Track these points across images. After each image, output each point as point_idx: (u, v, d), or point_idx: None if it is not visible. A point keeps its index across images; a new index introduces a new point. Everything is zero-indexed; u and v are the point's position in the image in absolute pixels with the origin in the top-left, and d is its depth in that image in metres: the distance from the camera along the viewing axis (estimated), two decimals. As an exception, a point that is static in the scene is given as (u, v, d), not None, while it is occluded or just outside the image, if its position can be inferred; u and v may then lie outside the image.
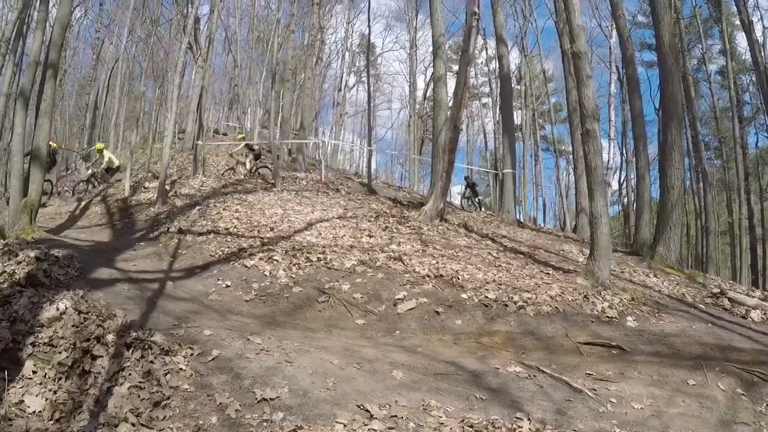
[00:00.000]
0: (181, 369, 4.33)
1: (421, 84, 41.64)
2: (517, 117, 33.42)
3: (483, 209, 19.97)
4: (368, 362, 5.20)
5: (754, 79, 25.38)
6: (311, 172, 20.66)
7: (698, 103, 27.84)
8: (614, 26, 25.57)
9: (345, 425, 3.80)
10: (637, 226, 15.32)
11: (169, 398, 3.95)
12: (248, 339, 5.21)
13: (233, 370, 4.43)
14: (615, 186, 34.33)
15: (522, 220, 19.98)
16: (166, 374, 4.22)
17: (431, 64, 41.52)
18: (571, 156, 27.18)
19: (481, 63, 38.36)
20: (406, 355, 5.72)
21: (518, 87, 34.78)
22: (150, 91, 33.51)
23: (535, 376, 5.38)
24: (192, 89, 23.51)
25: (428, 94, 42.79)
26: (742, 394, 5.23)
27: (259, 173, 18.35)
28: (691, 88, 25.14)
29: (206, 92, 24.30)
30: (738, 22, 24.89)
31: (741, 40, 27.52)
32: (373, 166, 25.00)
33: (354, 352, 5.58)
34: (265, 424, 3.75)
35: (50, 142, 13.22)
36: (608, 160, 30.04)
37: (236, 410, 3.86)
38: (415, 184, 34.38)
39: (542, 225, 27.44)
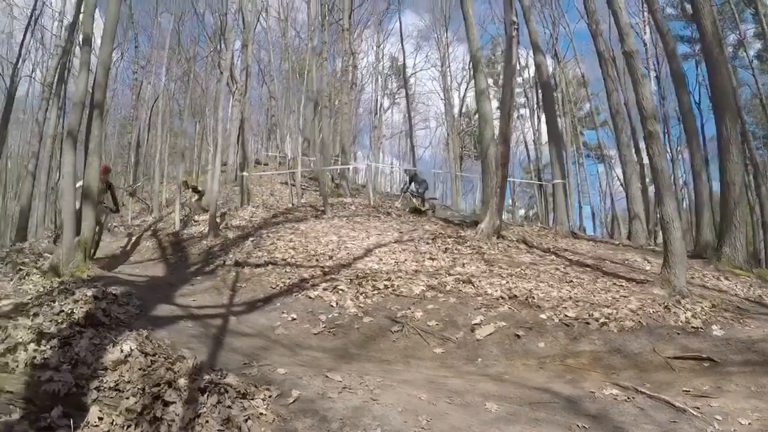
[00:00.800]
0: (261, 414, 3.95)
1: (456, 100, 41.33)
2: (557, 124, 32.83)
3: (428, 206, 19.00)
4: (457, 395, 4.78)
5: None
6: (356, 197, 20.49)
7: (740, 92, 26.99)
8: (646, 22, 25.26)
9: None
10: (698, 226, 14.80)
11: (253, 450, 3.57)
12: (327, 376, 4.83)
13: (318, 413, 4.03)
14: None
15: (575, 231, 19.53)
16: (246, 420, 3.83)
17: (464, 80, 41.77)
18: (613, 161, 26.82)
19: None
20: (494, 384, 5.31)
21: (555, 94, 34.29)
22: (190, 126, 33.73)
23: (633, 397, 4.94)
24: (230, 122, 23.50)
25: (464, 110, 42.63)
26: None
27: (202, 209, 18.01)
28: (732, 77, 24.47)
29: (246, 124, 24.34)
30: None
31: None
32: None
33: (439, 384, 5.17)
34: (362, 472, 3.40)
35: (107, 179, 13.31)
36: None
37: (329, 459, 3.44)
38: (458, 202, 34.08)
39: (593, 234, 26.88)
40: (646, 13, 26.84)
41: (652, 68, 29.94)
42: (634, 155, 22.76)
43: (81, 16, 22.12)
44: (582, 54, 32.77)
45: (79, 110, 10.94)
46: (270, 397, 4.22)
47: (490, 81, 16.81)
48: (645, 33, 28.89)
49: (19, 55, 24.75)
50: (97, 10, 12.26)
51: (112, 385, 4.00)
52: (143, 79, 34.49)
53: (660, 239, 21.26)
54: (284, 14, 34.73)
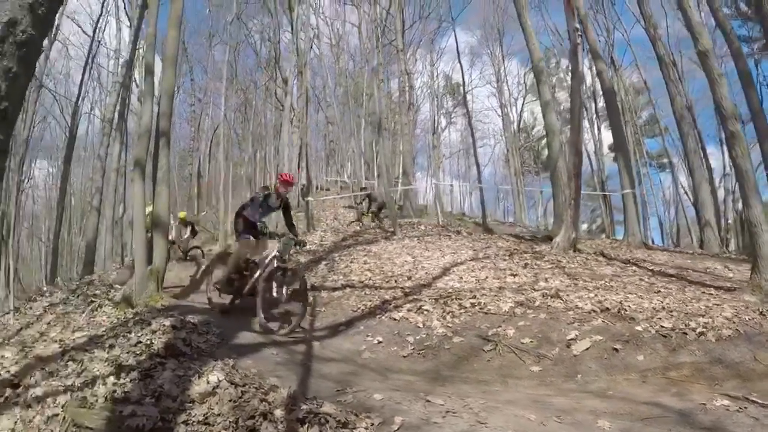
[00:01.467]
0: None
1: (513, 116, 40.98)
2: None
3: (377, 221, 19.06)
4: (566, 413, 4.42)
5: None
6: (421, 218, 20.39)
7: None
8: (704, 23, 24.62)
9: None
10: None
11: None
12: (428, 400, 4.51)
13: None
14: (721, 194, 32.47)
15: (646, 242, 18.99)
16: None
17: (520, 95, 41.44)
18: (677, 168, 26.19)
19: (567, 87, 37.54)
20: (600, 401, 4.95)
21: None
22: (247, 155, 34.10)
23: (745, 407, 4.57)
24: (290, 149, 23.64)
25: (521, 125, 42.27)
26: None
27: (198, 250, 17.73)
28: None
29: (306, 150, 24.47)
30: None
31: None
32: (476, 204, 24.53)
33: (544, 403, 4.83)
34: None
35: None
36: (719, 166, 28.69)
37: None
38: (522, 218, 33.70)
39: (661, 245, 26.20)
40: (702, 13, 26.31)
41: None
42: (702, 161, 22.28)
43: (139, 51, 22.74)
44: (638, 60, 32.16)
45: (146, 140, 11.04)
46: (372, 425, 3.93)
47: (548, 96, 16.56)
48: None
49: (79, 93, 25.48)
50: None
51: (200, 418, 3.82)
52: (201, 111, 35.15)
53: (732, 246, 20.66)
54: (336, 40, 35.00)
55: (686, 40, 28.93)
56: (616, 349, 6.25)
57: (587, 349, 6.34)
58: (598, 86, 29.13)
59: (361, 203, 21.00)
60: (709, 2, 16.93)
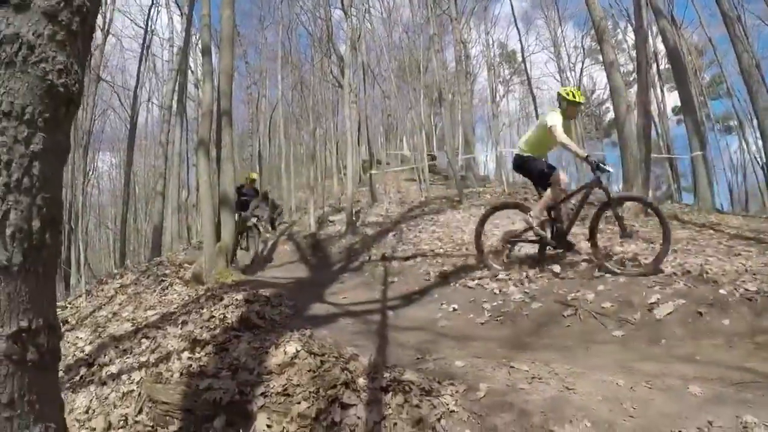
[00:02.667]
0: (452, 411, 3.54)
1: (572, 81, 40.17)
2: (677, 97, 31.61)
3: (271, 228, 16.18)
4: (655, 378, 4.23)
5: None
6: (485, 187, 20.19)
7: None
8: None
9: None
10: None
11: (453, 450, 3.15)
12: (512, 366, 4.38)
13: (514, 406, 3.57)
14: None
15: (717, 207, 18.42)
16: (439, 419, 3.44)
17: (578, 59, 40.64)
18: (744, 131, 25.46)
19: (627, 48, 36.76)
20: (688, 366, 4.73)
21: (669, 65, 32.82)
22: (306, 134, 34.36)
23: None
24: (350, 124, 23.66)
25: (581, 90, 41.50)
26: None
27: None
28: None
29: (366, 125, 24.46)
30: None
31: None
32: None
33: (631, 368, 4.65)
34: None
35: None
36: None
37: (543, 457, 2.97)
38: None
39: (730, 209, 25.45)
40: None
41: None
42: (775, 119, 21.54)
43: (192, 37, 23.02)
44: (701, 19, 31.17)
45: (208, 120, 11.15)
46: (457, 392, 3.81)
47: (612, 56, 16.00)
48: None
49: (138, 81, 25.94)
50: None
51: (279, 390, 3.78)
52: (258, 92, 35.53)
53: None
54: (387, 13, 34.78)
55: None
56: (700, 313, 5.99)
57: (670, 313, 6.10)
58: (660, 47, 28.37)
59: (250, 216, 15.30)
60: None
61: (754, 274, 6.83)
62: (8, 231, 1.70)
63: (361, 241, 12.80)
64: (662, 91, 33.90)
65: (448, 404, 3.64)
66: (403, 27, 35.20)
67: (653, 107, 33.32)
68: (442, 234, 11.19)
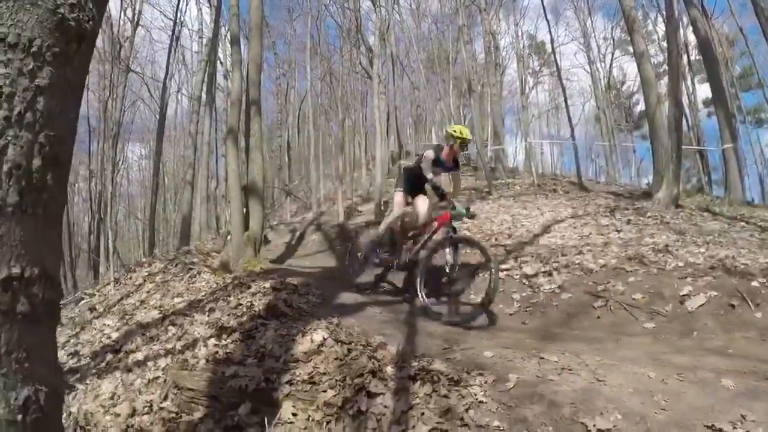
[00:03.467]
0: (481, 402, 3.49)
1: (601, 73, 39.87)
2: (707, 89, 31.39)
3: None
4: (687, 371, 4.15)
5: None
6: (514, 179, 20.12)
7: None
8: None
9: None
10: None
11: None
12: (541, 357, 4.30)
13: (544, 397, 3.51)
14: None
15: (748, 200, 18.14)
16: (467, 410, 3.39)
17: (608, 51, 40.27)
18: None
19: (657, 39, 36.36)
20: (720, 359, 4.64)
21: (699, 57, 32.51)
22: (335, 125, 34.38)
23: None
24: (379, 115, 23.62)
25: (611, 81, 41.17)
26: None
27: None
28: None
29: (395, 116, 24.44)
30: None
31: None
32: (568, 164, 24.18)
33: (662, 360, 4.57)
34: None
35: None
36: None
37: (574, 448, 2.93)
38: (617, 177, 32.83)
39: (762, 203, 25.11)
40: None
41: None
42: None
43: (221, 29, 23.17)
44: (731, 8, 30.77)
45: (237, 109, 11.22)
46: (486, 383, 3.76)
47: (642, 46, 15.80)
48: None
49: (167, 71, 26.06)
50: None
51: (305, 377, 3.76)
52: (287, 83, 35.67)
53: None
54: (416, 4, 34.65)
55: None
56: (732, 306, 5.89)
57: (702, 305, 6.01)
58: (690, 37, 28.05)
59: None
60: None
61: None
62: (5, 167, 1.54)
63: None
64: (693, 82, 33.48)
65: (476, 395, 3.59)
66: (431, 18, 35.18)
67: (684, 99, 33.02)
68: (470, 224, 11.01)
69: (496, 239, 9.97)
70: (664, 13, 22.77)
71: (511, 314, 6.71)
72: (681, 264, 7.11)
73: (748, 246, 8.14)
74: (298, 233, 16.00)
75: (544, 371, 4.01)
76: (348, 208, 17.84)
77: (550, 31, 26.72)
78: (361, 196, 20.84)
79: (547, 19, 23.74)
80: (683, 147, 27.59)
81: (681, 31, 26.88)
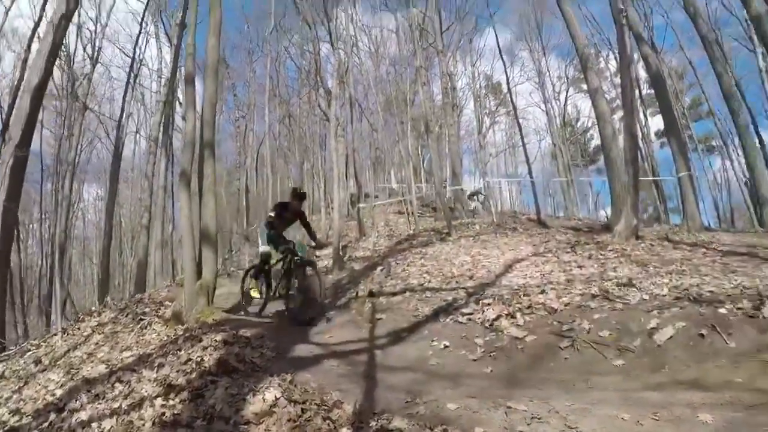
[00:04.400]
0: None
1: (556, 110, 40.62)
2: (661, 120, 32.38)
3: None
4: (662, 409, 4.04)
5: None
6: (474, 218, 20.13)
7: None
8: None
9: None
10: None
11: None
12: (509, 406, 4.13)
13: None
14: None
15: (705, 225, 18.40)
16: None
17: (562, 89, 40.94)
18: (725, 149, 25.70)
19: (610, 75, 37.37)
20: (695, 392, 4.54)
21: (650, 91, 33.33)
22: (294, 168, 34.34)
23: None
24: (337, 158, 23.57)
25: (566, 118, 41.93)
26: None
27: None
28: None
29: (353, 158, 24.46)
30: None
31: None
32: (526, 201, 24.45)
33: (635, 399, 4.45)
34: None
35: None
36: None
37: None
38: (575, 212, 33.20)
39: (718, 227, 25.63)
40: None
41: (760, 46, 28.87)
42: (755, 137, 21.81)
43: (180, 68, 23.07)
44: (680, 43, 31.82)
45: (190, 150, 11.03)
46: None
47: (596, 83, 16.13)
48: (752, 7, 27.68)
49: (122, 110, 25.96)
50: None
51: None
52: (245, 126, 35.60)
53: None
54: (374, 47, 34.96)
55: (723, 19, 28.64)
56: (702, 335, 5.74)
57: (671, 337, 5.86)
58: (642, 73, 28.98)
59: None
60: None
61: (753, 290, 6.72)
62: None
63: (348, 277, 12.58)
64: (645, 115, 34.43)
65: None
66: (390, 60, 35.46)
67: (637, 131, 33.73)
68: (431, 267, 11.02)
69: (456, 282, 9.82)
70: (616, 50, 23.32)
71: (474, 360, 6.43)
72: (646, 297, 7.02)
73: (711, 272, 8.18)
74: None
75: (512, 422, 3.86)
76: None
77: (506, 72, 27.26)
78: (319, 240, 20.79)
79: (502, 60, 24.24)
80: (643, 178, 28.11)
81: (633, 66, 27.58)
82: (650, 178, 30.78)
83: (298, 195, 10.52)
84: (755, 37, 27.84)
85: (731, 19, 28.82)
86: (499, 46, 24.34)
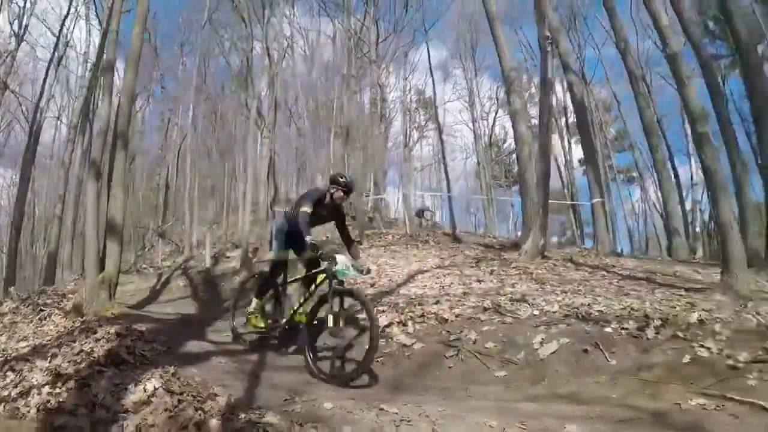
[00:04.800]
0: None
1: (484, 130, 41.19)
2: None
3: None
4: (531, 419, 4.25)
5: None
6: (391, 229, 20.31)
7: None
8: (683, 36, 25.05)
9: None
10: (744, 234, 14.41)
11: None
12: (382, 409, 4.28)
13: None
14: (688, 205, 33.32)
15: (616, 251, 18.98)
16: None
17: (492, 110, 41.60)
18: (645, 181, 26.65)
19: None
20: (569, 405, 4.84)
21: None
22: (218, 167, 33.96)
23: (723, 405, 4.47)
24: (260, 161, 23.45)
25: (492, 139, 42.55)
26: None
27: None
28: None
29: (275, 162, 24.34)
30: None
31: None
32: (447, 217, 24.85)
33: (509, 409, 4.69)
34: None
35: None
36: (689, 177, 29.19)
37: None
38: (494, 231, 33.81)
39: (631, 253, 26.53)
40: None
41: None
42: (671, 172, 22.67)
43: (106, 49, 22.52)
44: (609, 75, 32.83)
45: (102, 140, 10.85)
46: None
47: (518, 105, 16.53)
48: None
49: (42, 92, 25.11)
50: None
51: (132, 429, 3.62)
52: (170, 120, 34.99)
53: (700, 253, 21.02)
54: (309, 51, 34.91)
55: (654, 58, 29.62)
56: (585, 351, 6.02)
57: (554, 352, 6.11)
58: (569, 102, 29.68)
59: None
60: (678, 15, 17.08)
61: (641, 313, 6.96)
62: None
63: (254, 279, 12.42)
64: (569, 143, 35.23)
65: None
66: (322, 66, 35.44)
67: (561, 158, 34.56)
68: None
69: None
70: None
71: None
72: (536, 312, 7.25)
73: (605, 294, 8.42)
74: (164, 277, 15.66)
75: (381, 423, 3.99)
76: (216, 254, 17.56)
77: (434, 88, 27.52)
78: (233, 242, 20.59)
79: (431, 76, 24.46)
80: (559, 202, 28.75)
81: (560, 94, 28.24)
82: (568, 203, 31.56)
83: (343, 185, 7.11)
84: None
85: (662, 59, 30.07)
86: (429, 62, 24.76)
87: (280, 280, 7.66)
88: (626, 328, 6.32)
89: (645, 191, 32.40)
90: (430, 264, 11.81)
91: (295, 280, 7.65)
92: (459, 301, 8.16)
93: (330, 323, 6.24)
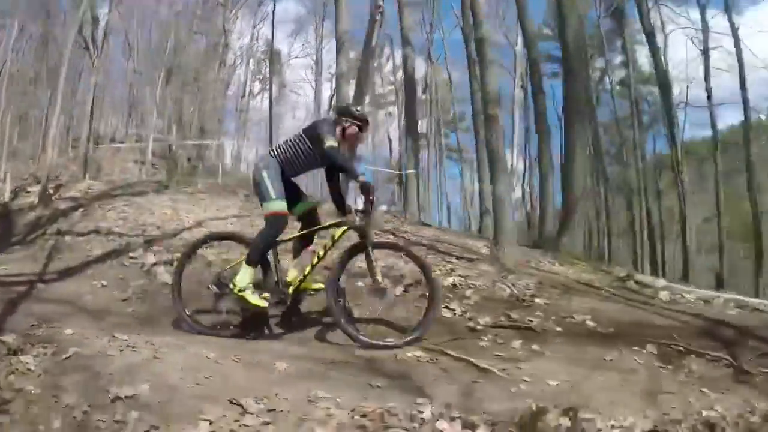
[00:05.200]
0: (28, 369, 3.76)
1: (327, 92, 41.29)
2: (423, 125, 34.75)
3: None
4: (247, 354, 4.75)
5: (652, 89, 29.38)
6: (210, 179, 20.19)
7: (600, 112, 30.60)
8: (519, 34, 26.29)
9: (211, 422, 3.25)
10: (541, 220, 15.54)
11: (9, 402, 3.38)
12: (113, 336, 4.62)
13: (90, 369, 3.83)
14: (519, 193, 35.14)
15: (424, 221, 19.69)
16: (8, 375, 3.65)
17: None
18: (475, 164, 27.84)
19: (387, 71, 38.90)
20: (296, 346, 5.49)
21: (424, 96, 35.32)
22: (44, 98, 32.18)
23: (437, 359, 5.01)
24: (87, 93, 22.57)
25: (333, 101, 42.75)
26: (661, 367, 5.09)
27: None
28: (593, 97, 26.73)
29: (102, 96, 23.45)
30: (639, 36, 28.36)
31: (641, 53, 30.44)
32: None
33: (237, 345, 5.22)
34: (116, 425, 3.20)
35: None
36: (512, 166, 31.00)
37: (84, 412, 3.29)
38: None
39: (446, 226, 27.58)
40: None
41: (519, 84, 31.93)
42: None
43: None
44: (455, 59, 33.80)
45: None
46: (44, 354, 4.06)
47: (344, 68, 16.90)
48: (517, 44, 30.22)
49: None
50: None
51: None
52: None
53: None
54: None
55: (504, 51, 30.97)
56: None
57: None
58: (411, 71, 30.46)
59: None
60: (518, 13, 18.13)
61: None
62: None
63: (50, 215, 12.18)
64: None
65: (27, 363, 3.85)
66: (170, 2, 34.36)
67: (395, 132, 35.53)
68: (129, 214, 11.27)
69: (144, 230, 10.13)
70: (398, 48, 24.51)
71: (123, 300, 7.01)
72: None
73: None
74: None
75: (108, 347, 4.31)
76: (17, 187, 16.81)
77: (272, 41, 27.37)
78: (33, 175, 19.54)
79: (272, 27, 24.39)
80: (387, 171, 29.50)
81: (373, 59, 29.06)
82: (396, 172, 32.38)
83: (360, 118, 5.97)
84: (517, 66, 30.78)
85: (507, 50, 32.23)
86: (273, 14, 24.51)
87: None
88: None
89: (469, 171, 33.84)
90: (228, 213, 12.12)
91: (291, 238, 6.31)
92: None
93: (378, 278, 5.74)
